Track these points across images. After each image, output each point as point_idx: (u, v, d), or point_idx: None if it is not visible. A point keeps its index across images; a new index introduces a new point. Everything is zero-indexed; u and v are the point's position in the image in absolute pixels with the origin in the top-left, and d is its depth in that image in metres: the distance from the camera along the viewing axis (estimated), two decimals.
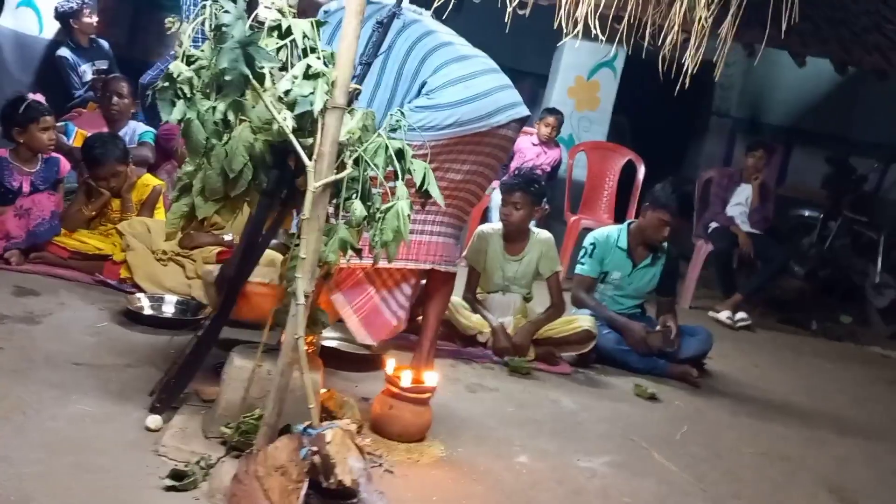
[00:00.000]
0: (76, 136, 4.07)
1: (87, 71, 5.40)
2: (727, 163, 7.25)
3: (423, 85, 2.32)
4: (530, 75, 7.46)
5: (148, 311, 2.93)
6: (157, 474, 1.80)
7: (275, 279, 2.36)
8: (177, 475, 1.78)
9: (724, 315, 5.15)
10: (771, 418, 3.35)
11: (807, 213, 6.66)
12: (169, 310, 3.01)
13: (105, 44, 5.77)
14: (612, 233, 3.83)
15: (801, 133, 7.52)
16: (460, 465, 2.26)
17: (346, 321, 2.39)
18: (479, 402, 2.87)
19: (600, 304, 3.75)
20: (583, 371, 3.47)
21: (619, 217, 5.48)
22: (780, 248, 5.53)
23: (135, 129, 4.17)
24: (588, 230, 4.18)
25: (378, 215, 1.89)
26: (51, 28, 6.07)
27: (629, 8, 3.98)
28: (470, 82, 2.35)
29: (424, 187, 1.92)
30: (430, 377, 2.38)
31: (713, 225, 5.49)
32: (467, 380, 3.08)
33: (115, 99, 4.10)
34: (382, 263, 2.10)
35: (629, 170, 5.85)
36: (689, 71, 3.82)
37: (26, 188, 3.43)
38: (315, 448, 1.66)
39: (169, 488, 1.76)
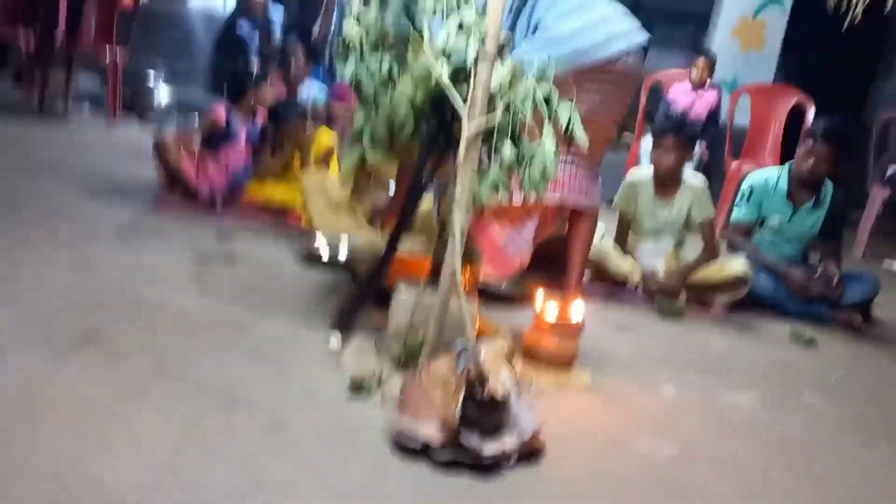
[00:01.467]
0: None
1: (258, 42, 5.97)
2: None
3: (538, 23, 2.40)
4: (694, 17, 7.22)
5: (326, 255, 3.29)
6: (338, 383, 2.11)
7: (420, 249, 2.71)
8: (356, 384, 2.08)
9: None
10: None
11: None
12: (344, 252, 3.35)
13: (278, 13, 6.31)
14: (771, 175, 3.74)
15: None
16: (606, 392, 2.41)
17: None
18: (627, 340, 2.99)
19: (757, 250, 3.69)
20: (737, 316, 3.47)
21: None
22: None
23: (309, 90, 4.60)
24: (748, 175, 4.08)
25: (526, 157, 2.05)
26: (232, 2, 6.71)
27: None
28: (583, 11, 2.42)
29: (570, 129, 2.06)
30: (577, 311, 2.53)
31: (892, 169, 5.14)
32: (617, 320, 3.20)
33: (294, 64, 4.54)
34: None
35: (801, 114, 5.57)
36: (860, 3, 3.62)
37: (242, 136, 3.96)
38: (471, 363, 1.88)
39: (350, 393, 2.06)
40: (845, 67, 6.46)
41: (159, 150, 3.76)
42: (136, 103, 6.04)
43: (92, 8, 5.89)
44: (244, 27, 5.97)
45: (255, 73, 4.10)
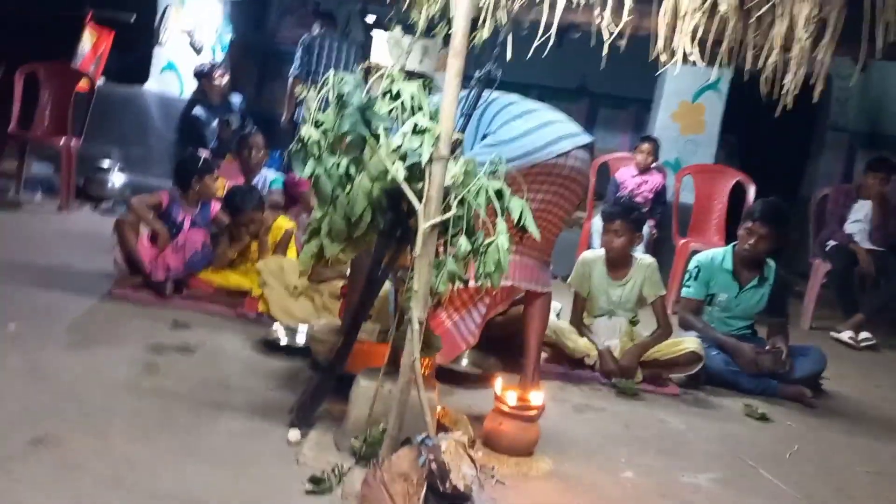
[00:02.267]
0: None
1: (216, 127, 6.03)
2: (847, 178, 7.01)
3: (486, 131, 2.58)
4: (636, 101, 7.56)
5: (283, 341, 3.28)
6: (298, 480, 2.08)
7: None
8: (315, 481, 2.06)
9: (846, 335, 5.01)
10: (890, 439, 3.29)
11: None
12: (301, 339, 3.34)
13: (237, 99, 6.41)
14: (716, 255, 3.89)
15: None
16: (567, 478, 2.42)
17: None
18: (586, 421, 3.01)
19: (708, 326, 3.80)
20: (691, 392, 3.53)
21: (730, 239, 5.44)
22: None
23: (266, 177, 4.64)
24: (697, 253, 4.23)
25: (481, 249, 2.12)
26: (190, 88, 6.80)
27: (727, 32, 4.06)
28: (528, 116, 2.60)
29: (521, 223, 2.13)
30: (536, 396, 2.56)
31: (831, 243, 5.37)
32: (575, 400, 3.23)
33: (252, 152, 4.59)
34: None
35: (742, 191, 5.81)
36: (793, 91, 3.86)
37: (187, 224, 3.95)
38: (432, 456, 1.89)
39: (309, 492, 2.03)
40: (781, 147, 6.81)
41: (118, 229, 3.73)
42: (89, 190, 6.01)
43: (47, 94, 5.92)
44: (201, 113, 6.04)
45: (202, 162, 4.06)
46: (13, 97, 5.67)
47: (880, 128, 7.31)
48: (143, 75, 6.94)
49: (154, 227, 3.83)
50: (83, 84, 6.04)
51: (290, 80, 5.98)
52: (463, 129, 2.27)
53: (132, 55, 6.87)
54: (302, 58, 5.85)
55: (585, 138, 2.70)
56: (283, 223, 4.10)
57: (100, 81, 6.44)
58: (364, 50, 6.30)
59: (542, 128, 2.62)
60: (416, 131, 2.02)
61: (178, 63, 6.96)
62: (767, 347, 3.71)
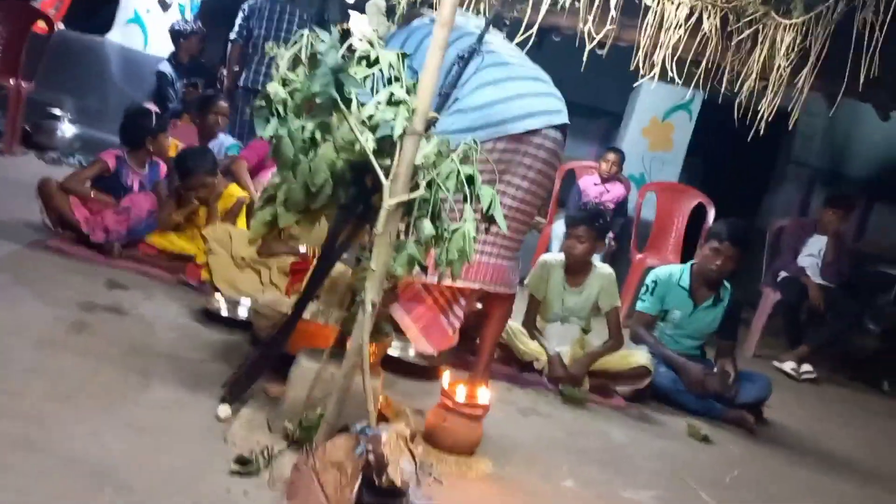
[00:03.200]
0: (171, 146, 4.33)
1: (180, 87, 5.78)
2: (804, 212, 7.11)
3: (457, 97, 2.32)
4: (607, 113, 7.54)
5: (224, 312, 3.12)
6: (223, 459, 1.94)
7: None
8: (242, 461, 1.92)
9: (788, 366, 5.05)
10: (828, 472, 3.29)
11: (886, 270, 6.46)
12: (243, 312, 3.18)
13: (203, 63, 6.17)
14: (674, 271, 3.86)
15: (883, 187, 7.32)
16: (507, 482, 2.33)
17: (406, 331, 2.45)
18: (530, 426, 2.93)
19: (659, 342, 3.76)
20: (636, 406, 3.48)
21: (686, 259, 5.43)
22: (853, 303, 5.37)
23: (222, 142, 4.43)
24: (653, 269, 4.18)
25: (445, 235, 2.01)
26: (155, 44, 6.52)
27: (707, 53, 4.04)
28: (504, 85, 2.32)
29: (490, 212, 2.03)
30: (484, 394, 2.47)
31: (783, 274, 5.41)
32: (521, 403, 3.15)
33: (214, 116, 4.38)
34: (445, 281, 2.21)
35: (701, 213, 5.82)
36: (766, 118, 3.87)
37: (136, 187, 3.73)
38: (370, 447, 1.77)
39: (234, 472, 1.90)
40: (741, 175, 6.88)
41: (43, 191, 3.51)
42: (37, 138, 5.70)
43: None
44: (168, 70, 5.79)
45: (156, 118, 3.84)
46: None
47: (842, 167, 7.44)
48: (106, 25, 6.63)
49: (98, 199, 3.60)
50: (41, 25, 5.72)
51: (230, 45, 5.72)
52: (438, 110, 2.15)
53: (97, 2, 6.55)
54: (241, 23, 5.61)
55: (559, 118, 2.44)
56: (235, 191, 3.92)
57: (59, 25, 6.12)
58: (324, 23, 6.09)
59: (513, 99, 2.35)
60: (391, 102, 1.90)
61: (144, 16, 6.67)
62: (715, 369, 3.69)
